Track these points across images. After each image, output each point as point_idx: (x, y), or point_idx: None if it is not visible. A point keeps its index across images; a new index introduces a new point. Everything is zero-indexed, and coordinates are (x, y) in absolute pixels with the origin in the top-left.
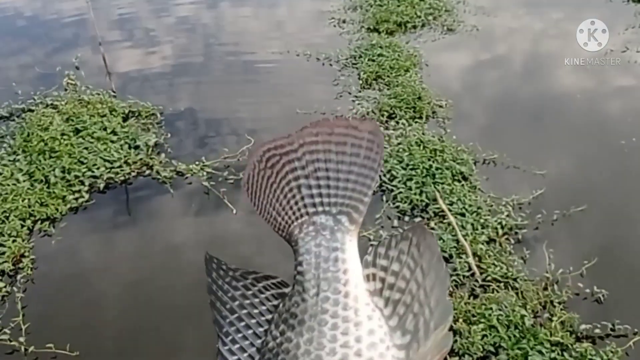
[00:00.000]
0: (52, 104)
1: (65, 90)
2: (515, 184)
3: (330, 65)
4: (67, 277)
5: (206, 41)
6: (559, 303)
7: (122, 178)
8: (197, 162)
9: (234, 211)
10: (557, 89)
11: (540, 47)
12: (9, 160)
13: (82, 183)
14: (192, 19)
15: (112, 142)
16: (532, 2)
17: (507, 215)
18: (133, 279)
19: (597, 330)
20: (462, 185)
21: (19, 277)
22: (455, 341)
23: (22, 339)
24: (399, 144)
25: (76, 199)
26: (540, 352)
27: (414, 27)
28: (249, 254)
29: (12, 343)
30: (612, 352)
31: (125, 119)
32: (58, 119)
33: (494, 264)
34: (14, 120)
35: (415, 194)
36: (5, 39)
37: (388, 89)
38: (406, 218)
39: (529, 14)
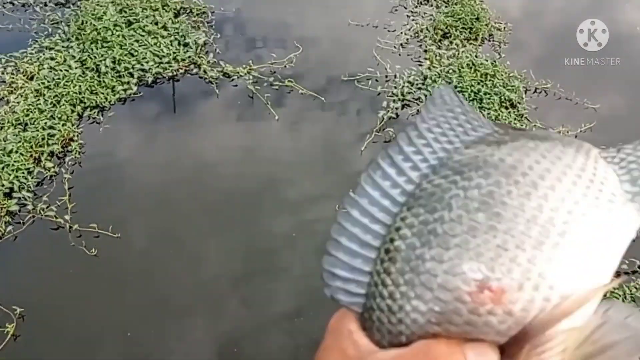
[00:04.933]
0: None
1: None
2: (565, 116)
3: None
4: (112, 164)
5: None
6: None
7: (170, 74)
8: (244, 65)
9: (277, 117)
10: (623, 24)
11: None
12: (63, 47)
13: (131, 75)
14: None
15: (163, 37)
16: None
17: None
18: (173, 174)
19: None
20: (509, 112)
21: (67, 159)
22: None
23: (67, 217)
24: (449, 64)
25: (125, 90)
26: None
27: None
28: (288, 163)
29: (58, 220)
30: None
31: (176, 15)
32: (112, 9)
33: None
34: (69, 7)
35: None
36: None
37: (446, 7)
38: None
39: None
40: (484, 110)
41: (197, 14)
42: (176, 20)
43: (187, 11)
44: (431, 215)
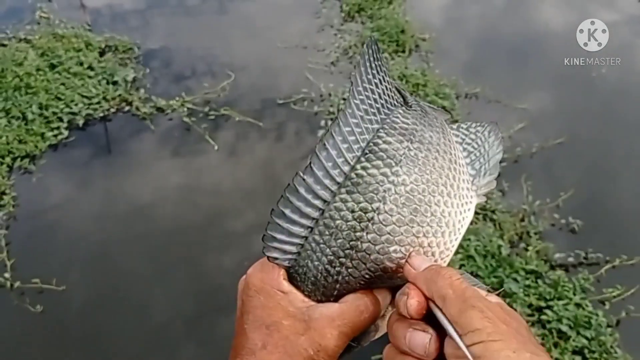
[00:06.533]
0: (25, 38)
1: (38, 24)
2: (497, 118)
3: None
4: (50, 213)
5: None
6: (535, 233)
7: (101, 114)
8: (177, 98)
9: (216, 147)
10: (540, 24)
11: None
12: None
13: (61, 120)
14: None
15: (90, 77)
16: None
17: None
18: (114, 217)
19: (570, 259)
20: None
21: (0, 214)
22: None
23: (7, 275)
24: None
25: (55, 135)
26: (515, 279)
27: None
28: (230, 194)
29: None
30: (584, 279)
31: (102, 54)
32: (32, 54)
33: None
34: None
35: None
36: None
37: (371, 22)
38: None
39: None
40: None
41: (124, 51)
42: (102, 59)
43: (113, 49)
44: (370, 204)
